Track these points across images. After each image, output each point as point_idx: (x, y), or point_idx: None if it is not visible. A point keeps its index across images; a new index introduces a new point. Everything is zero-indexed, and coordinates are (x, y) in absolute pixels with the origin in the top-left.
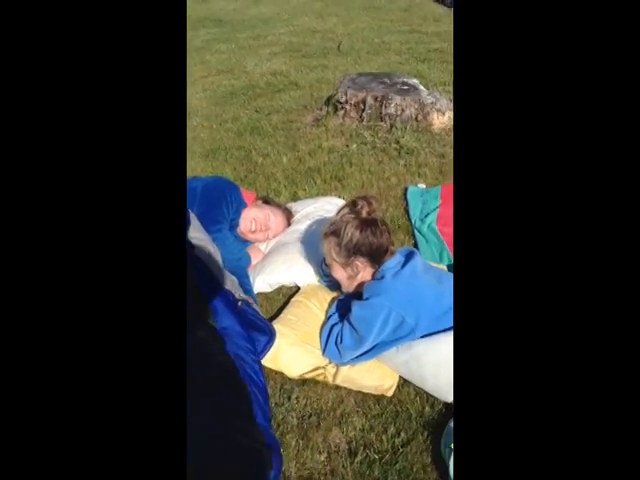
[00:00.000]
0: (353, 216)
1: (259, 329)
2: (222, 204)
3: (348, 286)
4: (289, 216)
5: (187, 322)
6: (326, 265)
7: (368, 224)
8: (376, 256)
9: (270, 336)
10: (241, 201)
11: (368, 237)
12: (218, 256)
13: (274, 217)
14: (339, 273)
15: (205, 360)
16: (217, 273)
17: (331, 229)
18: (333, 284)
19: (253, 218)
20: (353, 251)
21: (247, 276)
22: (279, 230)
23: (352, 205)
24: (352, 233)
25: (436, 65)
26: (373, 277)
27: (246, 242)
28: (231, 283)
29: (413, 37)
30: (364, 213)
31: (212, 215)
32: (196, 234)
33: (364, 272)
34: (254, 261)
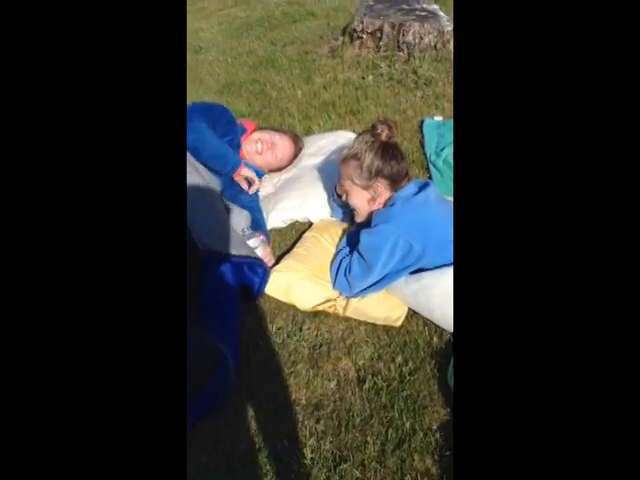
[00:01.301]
0: (373, 139)
1: (252, 270)
2: (215, 125)
3: (367, 210)
4: (297, 140)
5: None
6: (338, 196)
7: (389, 147)
8: (396, 179)
9: (263, 276)
10: (232, 119)
11: (389, 160)
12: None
13: (279, 137)
14: (358, 197)
15: None
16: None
17: (351, 153)
18: (345, 216)
19: (258, 139)
20: (375, 173)
21: (260, 211)
22: (287, 152)
23: (372, 129)
24: (374, 155)
25: None
26: (384, 205)
27: (257, 171)
28: (243, 218)
29: None
30: (384, 137)
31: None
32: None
33: (384, 195)
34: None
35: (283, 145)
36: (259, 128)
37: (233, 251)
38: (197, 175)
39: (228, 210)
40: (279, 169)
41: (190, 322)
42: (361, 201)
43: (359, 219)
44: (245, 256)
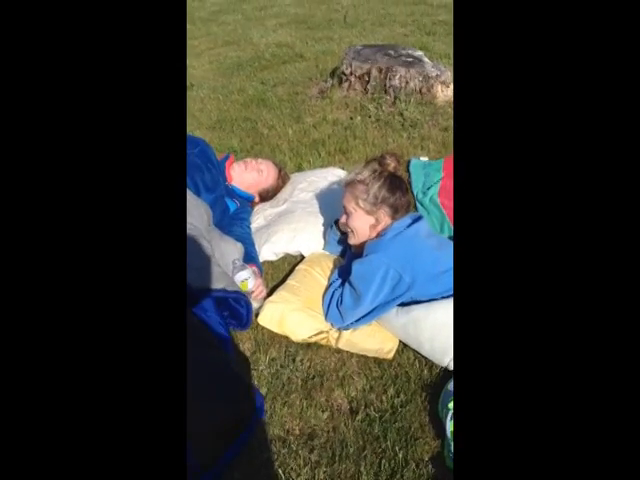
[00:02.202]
0: (381, 169)
1: (237, 302)
2: (208, 168)
3: (366, 234)
4: (278, 164)
5: None
6: (339, 222)
7: (396, 179)
8: (398, 209)
9: (247, 308)
10: (206, 147)
11: (395, 190)
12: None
13: (261, 159)
14: (360, 221)
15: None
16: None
17: (358, 178)
18: (337, 249)
19: (243, 161)
20: (380, 200)
21: (253, 244)
22: (272, 172)
23: (380, 159)
24: (381, 184)
25: (441, 38)
26: (378, 235)
27: (247, 196)
28: (237, 250)
29: (419, 9)
30: (392, 168)
31: (204, 182)
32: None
33: (384, 222)
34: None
35: (267, 165)
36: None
37: (214, 285)
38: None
39: (213, 242)
40: (267, 192)
41: (220, 357)
42: (362, 225)
43: (353, 241)
44: (227, 289)
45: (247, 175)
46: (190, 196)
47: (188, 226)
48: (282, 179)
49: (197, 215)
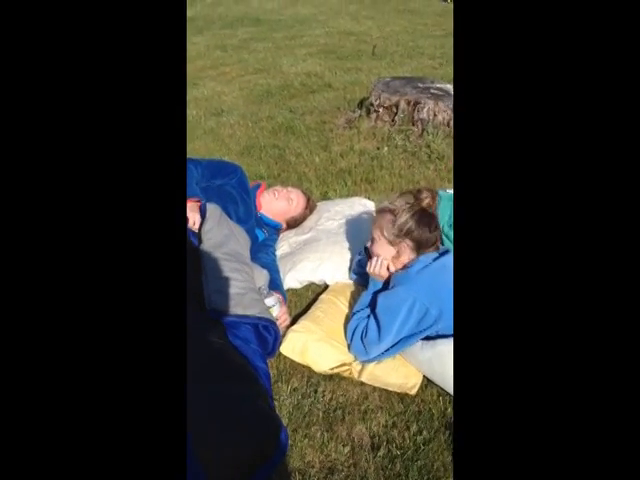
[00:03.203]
0: (415, 202)
1: (266, 329)
2: (243, 199)
3: (386, 264)
4: (307, 193)
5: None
6: (367, 245)
7: (426, 215)
8: (422, 245)
9: (276, 336)
10: (242, 176)
11: (422, 226)
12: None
13: (291, 188)
14: (382, 249)
15: (207, 349)
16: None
17: (389, 207)
18: (363, 280)
19: (273, 189)
20: (405, 232)
21: (278, 271)
22: (301, 201)
23: (417, 192)
24: (409, 217)
25: None
26: (405, 267)
27: (275, 224)
28: (262, 277)
29: (447, 42)
30: (425, 204)
31: (237, 213)
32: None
33: (406, 255)
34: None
35: (296, 194)
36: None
37: (247, 311)
38: (218, 231)
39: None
40: (295, 221)
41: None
42: (383, 254)
43: (371, 269)
44: (258, 316)
45: (277, 203)
46: (234, 224)
47: (234, 253)
48: (310, 208)
49: (243, 242)
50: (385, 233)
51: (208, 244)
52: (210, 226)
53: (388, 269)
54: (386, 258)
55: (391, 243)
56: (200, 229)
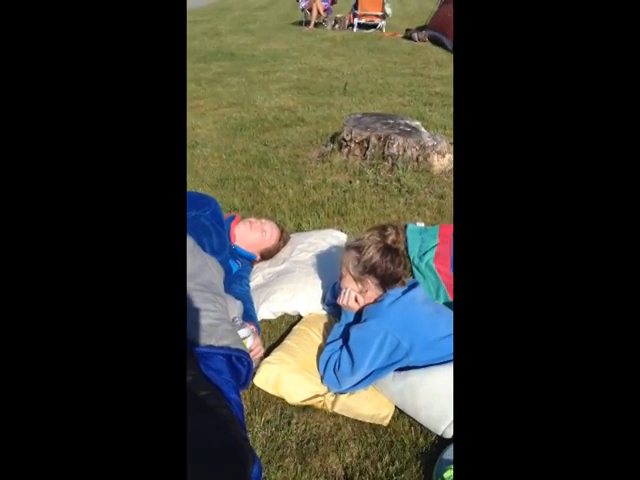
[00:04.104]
0: (379, 239)
1: (239, 361)
2: (217, 230)
3: (353, 297)
4: (280, 225)
5: None
6: (339, 279)
7: (390, 250)
8: (387, 281)
9: (248, 368)
10: (217, 208)
11: (386, 262)
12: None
13: (265, 220)
14: (349, 285)
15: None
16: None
17: (355, 244)
18: (336, 311)
19: (247, 220)
20: (369, 269)
21: (252, 302)
22: (275, 232)
23: (382, 229)
24: (374, 253)
25: (437, 108)
26: (375, 300)
27: (249, 255)
28: (236, 308)
29: (416, 80)
30: (390, 240)
31: (211, 245)
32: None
33: (371, 292)
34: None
35: (270, 225)
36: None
37: (220, 342)
38: (192, 262)
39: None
40: (269, 252)
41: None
42: (351, 288)
43: (340, 301)
44: (231, 347)
45: (251, 235)
46: (208, 255)
47: (208, 283)
48: (284, 240)
49: (217, 273)
50: (351, 270)
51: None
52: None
53: (357, 301)
54: (355, 290)
55: (356, 280)
56: None
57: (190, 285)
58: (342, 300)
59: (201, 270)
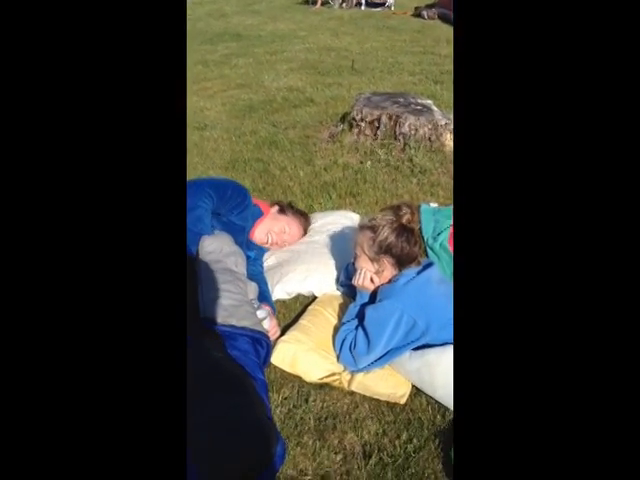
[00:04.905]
0: (394, 218)
1: (259, 342)
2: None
3: (368, 278)
4: (306, 224)
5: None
6: (353, 260)
7: (406, 230)
8: (403, 261)
9: (267, 348)
10: (249, 204)
11: (402, 242)
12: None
13: (289, 228)
14: (365, 265)
15: (206, 359)
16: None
17: (369, 224)
18: (350, 292)
19: (268, 231)
20: (384, 249)
21: (266, 283)
22: (294, 240)
23: (396, 209)
24: (389, 233)
25: (449, 87)
26: (390, 281)
27: (261, 248)
28: (251, 290)
29: (426, 58)
30: (405, 219)
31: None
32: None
33: (387, 272)
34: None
35: (291, 236)
36: (274, 203)
37: (241, 323)
38: (215, 242)
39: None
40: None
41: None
42: (366, 268)
43: (356, 282)
44: (251, 328)
45: (267, 246)
46: (232, 241)
47: (233, 266)
48: (305, 232)
49: (240, 259)
50: (366, 250)
51: (206, 255)
52: (211, 241)
53: (372, 281)
54: (371, 270)
55: (372, 260)
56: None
57: (214, 266)
58: (358, 280)
59: (232, 253)
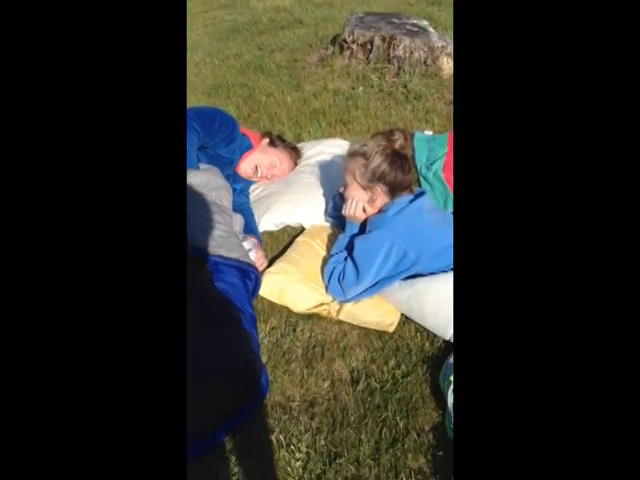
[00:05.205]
0: (386, 144)
1: (247, 274)
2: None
3: (360, 208)
4: (296, 157)
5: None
6: (341, 191)
7: (399, 157)
8: (396, 189)
9: (256, 281)
10: (237, 135)
11: (396, 169)
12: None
13: (279, 163)
14: (355, 195)
15: (198, 293)
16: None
17: (361, 150)
18: (339, 222)
19: (257, 164)
20: (378, 177)
21: (252, 215)
22: (284, 175)
23: (389, 134)
24: (382, 160)
25: (446, 8)
26: (381, 210)
27: (248, 181)
28: (237, 221)
29: None
30: (397, 145)
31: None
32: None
33: (380, 200)
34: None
35: (282, 170)
36: (264, 135)
37: (230, 254)
38: (202, 175)
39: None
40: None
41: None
42: (358, 197)
43: (346, 212)
44: (240, 260)
45: (255, 179)
46: (220, 175)
47: (219, 200)
48: (295, 165)
49: (226, 193)
50: (358, 178)
51: (191, 187)
52: (196, 174)
53: (364, 210)
54: (363, 200)
55: (364, 188)
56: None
57: (201, 199)
58: (349, 211)
59: (218, 187)
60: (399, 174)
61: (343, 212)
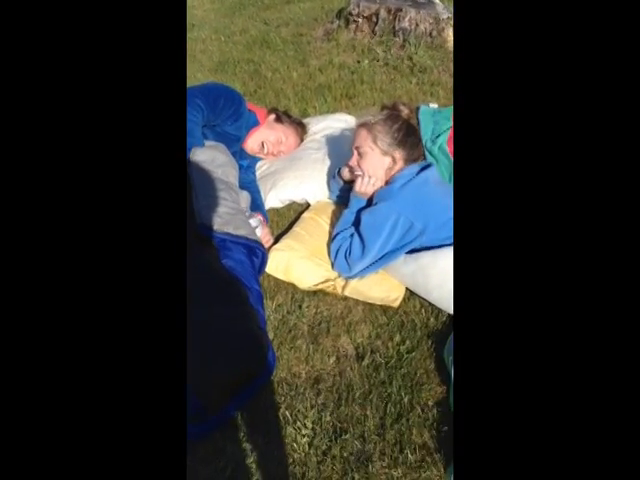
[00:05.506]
0: (397, 114)
1: (253, 252)
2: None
3: (379, 177)
4: (302, 133)
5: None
6: (340, 175)
7: (411, 126)
8: (413, 155)
9: (263, 258)
10: (244, 111)
11: (412, 135)
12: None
13: (286, 139)
14: (374, 162)
15: (205, 270)
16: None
17: (375, 120)
18: (342, 199)
19: (263, 141)
20: (399, 140)
21: (259, 192)
22: (291, 151)
23: (394, 106)
24: (399, 126)
25: None
26: (386, 183)
27: (254, 157)
28: (243, 199)
29: None
30: (404, 115)
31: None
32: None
33: (398, 166)
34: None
35: (288, 146)
36: (270, 111)
37: (237, 231)
38: (208, 151)
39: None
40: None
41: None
42: (375, 166)
43: (359, 188)
44: (247, 237)
45: (261, 155)
46: (226, 152)
47: (225, 177)
48: (302, 141)
49: (233, 169)
50: (379, 143)
51: (197, 164)
52: (203, 151)
53: (375, 186)
54: (382, 168)
55: (385, 153)
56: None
57: (208, 175)
58: (361, 187)
59: (224, 164)
60: (416, 141)
61: (355, 189)
